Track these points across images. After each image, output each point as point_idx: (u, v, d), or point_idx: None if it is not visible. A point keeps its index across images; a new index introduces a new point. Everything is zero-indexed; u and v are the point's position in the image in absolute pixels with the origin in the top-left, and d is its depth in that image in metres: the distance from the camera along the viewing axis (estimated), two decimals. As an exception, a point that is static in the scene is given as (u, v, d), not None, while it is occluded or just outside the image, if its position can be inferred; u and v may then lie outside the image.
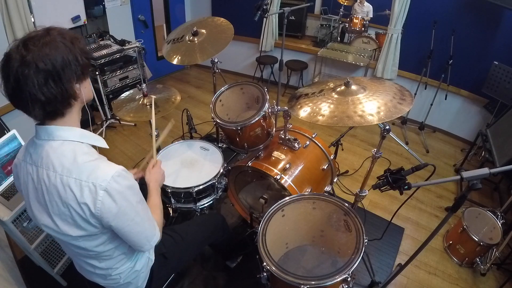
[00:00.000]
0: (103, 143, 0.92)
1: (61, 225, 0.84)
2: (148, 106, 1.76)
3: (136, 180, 1.00)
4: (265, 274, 1.19)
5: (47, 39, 0.74)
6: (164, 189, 1.66)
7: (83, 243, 0.88)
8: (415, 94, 3.29)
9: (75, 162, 0.80)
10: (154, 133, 1.46)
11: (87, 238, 0.87)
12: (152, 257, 1.18)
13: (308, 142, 1.82)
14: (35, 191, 0.85)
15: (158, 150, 1.84)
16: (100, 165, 0.82)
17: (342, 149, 2.82)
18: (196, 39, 2.04)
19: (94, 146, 0.89)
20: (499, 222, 1.96)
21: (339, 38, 3.99)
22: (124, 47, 3.22)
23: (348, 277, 1.11)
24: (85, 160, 0.81)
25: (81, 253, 0.94)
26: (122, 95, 1.86)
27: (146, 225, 0.94)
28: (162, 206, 1.14)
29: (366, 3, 3.59)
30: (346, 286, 1.14)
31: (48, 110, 0.77)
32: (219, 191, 1.85)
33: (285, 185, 1.57)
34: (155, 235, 0.98)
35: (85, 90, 0.86)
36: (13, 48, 0.73)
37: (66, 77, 0.76)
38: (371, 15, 3.61)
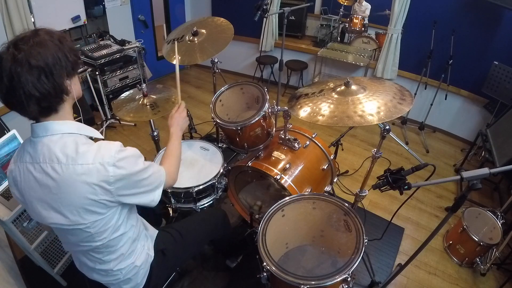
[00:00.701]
0: (98, 134, 0.96)
1: (71, 216, 0.85)
2: (148, 107, 1.76)
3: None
4: (265, 274, 1.19)
5: (37, 39, 0.77)
6: (164, 189, 1.66)
7: (93, 229, 0.89)
8: (415, 94, 3.29)
9: (77, 150, 0.83)
10: (178, 76, 1.45)
11: (96, 223, 0.89)
12: (152, 253, 1.18)
13: (308, 142, 1.82)
14: (39, 189, 0.85)
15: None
16: (101, 145, 0.86)
17: (342, 149, 2.82)
18: (196, 39, 2.04)
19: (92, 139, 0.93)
20: (499, 222, 1.96)
21: (339, 38, 3.99)
22: (124, 47, 3.22)
23: (348, 277, 1.11)
24: (87, 147, 0.85)
25: (85, 247, 0.95)
26: (122, 95, 1.86)
27: (154, 177, 0.99)
28: (180, 153, 1.22)
29: (364, 2, 3.58)
30: (346, 286, 1.14)
31: (43, 106, 0.79)
32: (219, 191, 1.85)
33: (285, 185, 1.57)
34: (161, 180, 1.04)
35: (75, 87, 0.89)
36: (3, 50, 0.75)
37: (57, 72, 0.79)
38: (368, 12, 3.60)
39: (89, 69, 2.93)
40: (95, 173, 0.82)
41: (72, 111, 0.91)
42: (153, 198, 1.00)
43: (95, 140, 0.92)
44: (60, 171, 0.81)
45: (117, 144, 0.88)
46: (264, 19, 3.56)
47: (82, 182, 0.81)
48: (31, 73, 0.74)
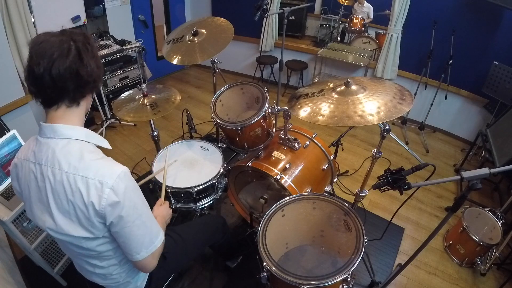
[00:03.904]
0: (106, 144, 0.93)
1: (64, 224, 0.83)
2: (148, 107, 1.76)
3: None
4: (265, 274, 1.19)
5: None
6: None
7: (85, 243, 0.88)
8: (415, 94, 3.29)
9: (82, 159, 0.81)
10: (165, 177, 1.50)
11: (88, 239, 0.87)
12: None
13: (308, 142, 1.82)
14: (37, 190, 0.84)
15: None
16: (106, 163, 0.83)
17: (342, 149, 2.82)
18: (196, 39, 2.04)
19: (98, 147, 0.90)
20: (499, 222, 1.96)
21: (339, 38, 3.99)
22: (124, 47, 3.22)
23: (348, 277, 1.11)
24: (92, 158, 0.82)
25: (82, 253, 0.94)
26: (122, 95, 1.86)
27: (147, 229, 0.93)
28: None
29: (366, 4, 3.59)
30: (346, 286, 1.14)
31: (83, 81, 0.81)
32: (219, 191, 1.85)
33: (285, 185, 1.57)
34: (153, 242, 0.95)
35: (88, 100, 0.91)
36: (54, 32, 0.81)
37: (100, 71, 0.86)
38: (371, 15, 3.62)
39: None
40: (92, 189, 0.79)
41: (83, 119, 0.90)
42: (138, 250, 0.92)
43: (103, 150, 0.90)
44: (59, 178, 0.80)
45: (123, 168, 0.84)
46: (264, 19, 3.55)
47: (78, 195, 0.80)
48: (88, 53, 0.80)
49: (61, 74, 0.76)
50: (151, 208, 1.05)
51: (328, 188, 1.83)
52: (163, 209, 1.26)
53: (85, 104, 0.88)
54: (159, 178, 1.67)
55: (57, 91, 0.79)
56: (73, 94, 0.82)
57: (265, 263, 1.17)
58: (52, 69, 0.74)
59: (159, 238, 0.98)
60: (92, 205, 0.80)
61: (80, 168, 0.80)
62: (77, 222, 0.83)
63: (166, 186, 1.65)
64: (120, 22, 3.65)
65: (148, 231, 0.93)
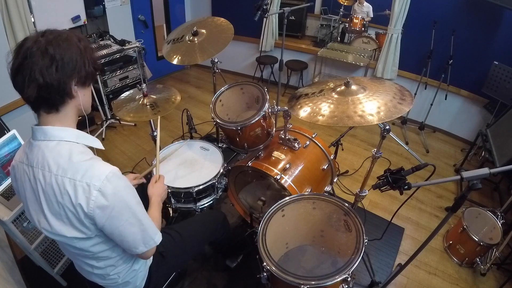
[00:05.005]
0: (99, 144, 0.93)
1: (56, 225, 0.84)
2: (148, 107, 1.76)
3: (134, 186, 0.99)
4: (265, 274, 1.19)
5: (65, 35, 0.79)
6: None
7: (79, 244, 0.88)
8: (415, 94, 3.29)
9: (70, 161, 0.81)
10: (158, 150, 1.46)
11: (81, 239, 0.87)
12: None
13: (308, 142, 1.82)
14: (32, 192, 0.85)
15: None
16: (94, 164, 0.83)
17: (342, 149, 2.82)
18: (196, 39, 2.04)
19: (91, 148, 0.90)
20: (499, 222, 1.96)
21: (339, 38, 3.99)
22: (124, 47, 3.22)
23: (348, 277, 1.11)
24: (80, 159, 0.82)
25: (79, 254, 0.94)
26: (122, 95, 1.86)
27: (144, 226, 0.93)
28: (161, 221, 1.13)
29: (365, 3, 3.59)
30: (346, 286, 1.14)
31: (41, 95, 0.77)
32: (219, 191, 1.85)
33: (285, 185, 1.57)
34: (153, 239, 0.97)
35: (85, 97, 0.88)
36: (33, 34, 0.78)
37: (68, 72, 0.78)
38: (371, 15, 3.62)
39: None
40: (80, 191, 0.79)
41: (76, 118, 0.89)
42: (136, 245, 0.92)
43: (94, 151, 0.90)
44: (48, 180, 0.80)
45: (111, 169, 0.83)
46: (264, 19, 3.54)
47: (67, 198, 0.79)
48: (43, 59, 0.74)
49: (20, 85, 0.76)
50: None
51: (328, 188, 1.83)
52: (158, 186, 1.25)
53: (71, 109, 0.85)
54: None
55: (28, 99, 0.79)
56: (43, 102, 0.80)
57: (265, 263, 1.18)
58: (16, 80, 0.76)
59: (158, 235, 0.99)
60: (81, 207, 0.80)
61: (68, 170, 0.80)
62: (69, 223, 0.83)
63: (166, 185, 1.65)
64: (120, 22, 3.65)
65: (143, 228, 0.93)
